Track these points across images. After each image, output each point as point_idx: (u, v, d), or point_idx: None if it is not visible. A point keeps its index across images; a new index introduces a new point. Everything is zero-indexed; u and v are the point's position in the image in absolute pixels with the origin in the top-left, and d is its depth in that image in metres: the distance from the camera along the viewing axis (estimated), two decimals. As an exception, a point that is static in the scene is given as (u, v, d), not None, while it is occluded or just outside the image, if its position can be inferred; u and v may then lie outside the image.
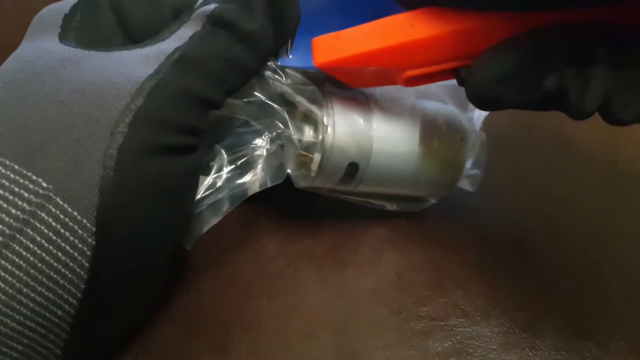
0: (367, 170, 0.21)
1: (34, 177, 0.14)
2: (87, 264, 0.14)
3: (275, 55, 0.20)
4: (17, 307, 0.14)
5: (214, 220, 0.20)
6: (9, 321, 0.14)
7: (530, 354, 0.19)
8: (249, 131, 0.21)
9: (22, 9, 0.44)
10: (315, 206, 0.25)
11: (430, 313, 0.21)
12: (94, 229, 0.14)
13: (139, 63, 0.16)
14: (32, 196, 0.14)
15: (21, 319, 0.14)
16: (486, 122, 0.26)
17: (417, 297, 0.21)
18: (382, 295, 0.21)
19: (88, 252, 0.14)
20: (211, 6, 0.18)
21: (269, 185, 0.21)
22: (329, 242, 0.24)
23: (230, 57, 0.17)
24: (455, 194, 0.25)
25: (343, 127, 0.21)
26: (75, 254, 0.14)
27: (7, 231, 0.13)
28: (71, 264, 0.14)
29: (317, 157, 0.21)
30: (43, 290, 0.14)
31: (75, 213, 0.14)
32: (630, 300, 0.21)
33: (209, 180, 0.20)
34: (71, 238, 0.14)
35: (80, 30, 0.18)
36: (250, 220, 0.24)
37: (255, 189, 0.21)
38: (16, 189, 0.14)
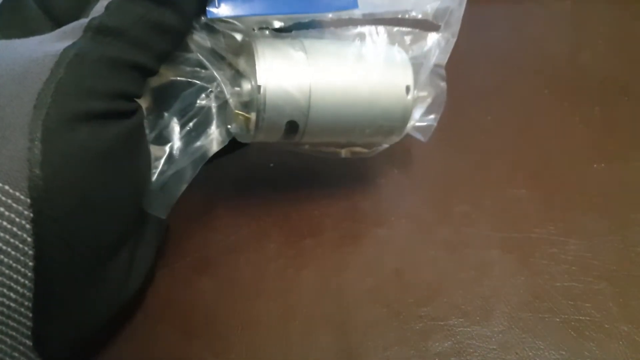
0: (308, 126, 0.21)
1: None
2: (29, 239, 0.14)
3: (204, 10, 0.19)
4: None
5: (181, 188, 0.20)
6: None
7: (530, 354, 0.19)
8: (194, 91, 0.20)
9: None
10: (315, 206, 0.25)
11: (430, 313, 0.21)
12: (28, 200, 0.14)
13: (58, 39, 0.17)
14: None
15: None
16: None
17: (417, 297, 0.21)
18: (382, 295, 0.21)
19: (27, 226, 0.14)
20: None
21: (227, 141, 0.21)
22: (329, 242, 0.24)
23: (152, 20, 0.17)
24: (451, 190, 0.25)
25: (277, 84, 0.20)
26: (15, 229, 0.14)
27: None
28: (12, 240, 0.14)
29: (252, 116, 0.20)
30: None
31: (7, 187, 0.14)
32: (631, 300, 0.21)
33: (166, 149, 0.20)
34: (7, 213, 0.14)
35: (7, 27, 0.19)
36: (250, 221, 0.24)
37: (214, 148, 0.21)
38: None
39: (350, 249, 0.23)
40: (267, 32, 0.21)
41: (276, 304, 0.21)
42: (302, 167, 0.27)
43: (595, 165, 0.26)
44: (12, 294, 0.14)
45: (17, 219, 0.14)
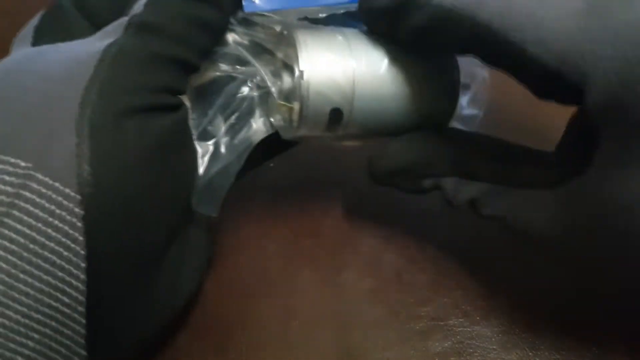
0: (352, 114, 0.20)
1: (12, 160, 0.14)
2: (81, 237, 0.14)
3: (241, 5, 0.20)
4: (18, 296, 0.13)
5: (228, 184, 0.19)
6: (11, 313, 0.13)
7: (530, 354, 0.19)
8: (234, 86, 0.20)
9: (22, 9, 0.44)
10: (315, 206, 0.25)
11: (430, 313, 0.21)
12: (78, 196, 0.14)
13: (100, 38, 0.17)
14: (13, 178, 0.14)
15: (25, 310, 0.13)
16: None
17: (417, 297, 0.21)
18: (382, 295, 0.21)
19: (79, 224, 0.14)
20: None
21: (272, 130, 0.20)
22: (329, 242, 0.24)
23: (191, 15, 0.17)
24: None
25: (320, 72, 0.19)
26: (66, 228, 0.14)
27: None
28: (64, 239, 0.14)
29: (296, 106, 0.20)
30: (41, 274, 0.14)
31: (57, 184, 0.14)
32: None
33: (210, 146, 0.20)
34: (58, 211, 0.14)
35: (51, 34, 0.19)
36: (250, 221, 0.24)
37: (258, 137, 0.20)
38: None
39: (350, 249, 0.23)
40: (305, 22, 0.21)
41: (276, 304, 0.21)
42: (302, 168, 0.27)
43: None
44: (65, 299, 0.14)
45: (69, 217, 0.14)
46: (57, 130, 0.14)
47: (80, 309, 0.14)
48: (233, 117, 0.20)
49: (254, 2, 0.20)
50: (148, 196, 0.16)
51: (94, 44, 0.16)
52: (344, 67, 0.19)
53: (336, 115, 0.20)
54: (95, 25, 0.19)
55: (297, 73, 0.19)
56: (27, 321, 0.13)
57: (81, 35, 0.18)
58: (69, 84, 0.15)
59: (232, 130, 0.20)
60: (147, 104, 0.16)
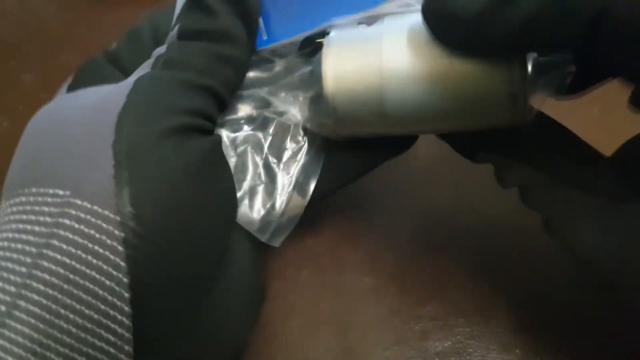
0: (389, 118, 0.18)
1: (51, 191, 0.14)
2: (123, 263, 0.13)
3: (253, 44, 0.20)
4: (59, 336, 0.12)
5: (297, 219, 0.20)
6: (53, 356, 0.12)
7: (531, 354, 0.19)
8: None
9: (23, 9, 0.44)
10: (314, 206, 0.25)
11: (430, 313, 0.21)
12: (118, 218, 0.13)
13: (132, 75, 0.17)
14: (52, 208, 0.13)
15: (67, 351, 0.12)
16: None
17: (417, 297, 0.21)
18: (382, 295, 0.21)
19: (120, 248, 0.13)
20: (176, 27, 0.18)
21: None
22: (329, 242, 0.24)
23: (212, 52, 0.17)
24: (452, 191, 0.25)
25: (347, 95, 0.18)
26: (107, 253, 0.13)
27: (34, 250, 0.13)
28: (105, 267, 0.13)
29: (330, 122, 0.18)
30: (83, 308, 0.12)
31: (96, 207, 0.13)
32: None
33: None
34: (97, 235, 0.13)
35: (86, 83, 0.19)
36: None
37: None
38: (37, 208, 0.14)
39: (350, 249, 0.23)
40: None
41: (276, 304, 0.21)
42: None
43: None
44: (110, 337, 0.13)
45: (109, 241, 0.13)
46: (93, 157, 0.14)
47: (127, 348, 0.13)
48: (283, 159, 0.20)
49: (263, 37, 0.20)
50: (190, 216, 0.15)
51: (127, 81, 0.17)
52: (374, 90, 0.17)
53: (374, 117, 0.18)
54: (127, 74, 0.20)
55: (327, 105, 0.18)
56: None
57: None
58: (103, 112, 0.15)
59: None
60: (184, 124, 0.15)
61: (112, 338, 0.13)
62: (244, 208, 0.19)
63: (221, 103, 0.18)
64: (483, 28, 0.14)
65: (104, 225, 0.13)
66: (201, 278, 0.15)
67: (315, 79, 0.19)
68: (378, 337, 0.20)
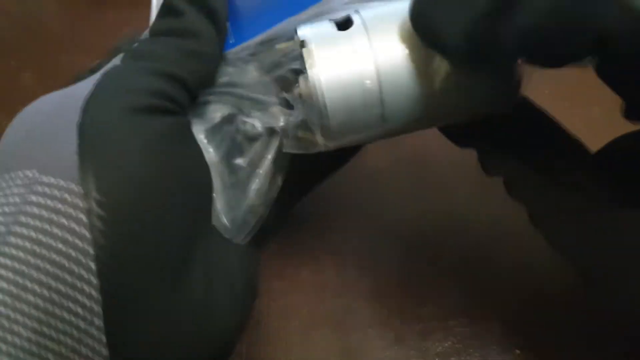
0: (387, 115, 0.17)
1: (20, 174, 0.14)
2: (88, 234, 0.13)
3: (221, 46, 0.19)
4: (27, 310, 0.12)
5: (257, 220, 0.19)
6: (21, 330, 0.12)
7: (531, 354, 0.19)
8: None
9: (23, 9, 0.44)
10: (315, 206, 0.25)
11: (430, 313, 0.21)
12: (81, 189, 0.13)
13: (103, 69, 0.17)
14: (20, 189, 0.14)
15: (36, 325, 0.12)
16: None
17: (417, 297, 0.21)
18: (382, 295, 0.21)
19: (84, 219, 0.13)
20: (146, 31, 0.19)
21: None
22: (329, 242, 0.24)
23: (178, 45, 0.18)
24: (452, 191, 0.25)
25: (342, 103, 0.16)
26: (72, 225, 0.13)
27: (3, 229, 0.13)
28: (71, 238, 0.13)
29: (318, 137, 0.18)
30: (50, 281, 0.13)
31: (60, 181, 0.14)
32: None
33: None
34: (62, 208, 0.13)
35: None
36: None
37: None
38: (8, 191, 0.14)
39: (350, 248, 0.23)
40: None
41: (276, 304, 0.21)
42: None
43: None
44: (79, 309, 0.13)
45: (73, 212, 0.13)
46: (59, 136, 0.15)
47: (98, 321, 0.13)
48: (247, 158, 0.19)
49: (231, 41, 0.20)
50: (152, 189, 0.15)
51: (97, 73, 0.17)
52: (364, 70, 0.16)
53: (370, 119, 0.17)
54: None
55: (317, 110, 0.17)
56: (39, 339, 0.12)
57: None
58: (72, 97, 0.16)
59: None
60: (147, 104, 0.16)
61: (81, 311, 0.13)
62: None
63: (189, 92, 0.18)
64: (468, 55, 0.14)
65: (68, 197, 0.13)
66: (172, 255, 0.15)
67: (304, 90, 0.17)
68: (378, 337, 0.20)
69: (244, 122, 0.20)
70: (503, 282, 0.22)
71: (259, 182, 0.19)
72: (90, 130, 0.14)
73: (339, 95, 0.16)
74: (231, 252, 0.19)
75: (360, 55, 0.16)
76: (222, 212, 0.19)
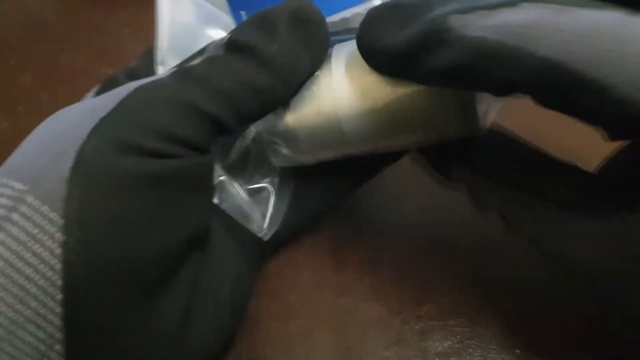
0: (348, 136, 0.18)
1: (12, 183, 0.14)
2: (58, 265, 0.13)
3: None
4: None
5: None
6: None
7: (531, 353, 0.19)
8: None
9: (23, 9, 0.44)
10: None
11: (430, 313, 0.21)
12: (62, 221, 0.13)
13: (145, 79, 0.16)
14: (6, 201, 0.14)
15: None
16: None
17: (417, 297, 0.21)
18: (382, 295, 0.21)
19: (58, 250, 0.13)
20: (230, 34, 0.17)
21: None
22: (329, 242, 0.24)
23: (245, 77, 0.16)
24: (452, 191, 0.25)
25: (307, 127, 0.18)
26: (45, 254, 0.13)
27: None
28: (41, 266, 0.13)
29: (284, 150, 0.19)
30: (15, 303, 0.13)
31: (46, 207, 0.13)
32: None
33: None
34: (40, 235, 0.13)
35: None
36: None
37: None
38: None
39: (350, 249, 0.23)
40: None
41: (276, 304, 0.21)
42: (302, 167, 0.27)
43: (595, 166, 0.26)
44: (40, 333, 0.13)
45: (48, 242, 0.13)
46: (60, 155, 0.14)
47: (58, 347, 0.13)
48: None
49: None
50: (136, 233, 0.14)
51: (130, 84, 0.16)
52: (326, 104, 0.18)
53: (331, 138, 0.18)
54: None
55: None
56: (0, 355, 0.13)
57: None
58: (90, 114, 0.15)
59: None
60: (151, 148, 0.15)
61: (42, 335, 0.13)
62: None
63: (223, 131, 0.16)
64: (408, 66, 0.15)
65: (48, 226, 0.13)
66: (145, 293, 0.15)
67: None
68: (378, 337, 0.20)
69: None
70: (503, 282, 0.22)
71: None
72: (86, 162, 0.14)
73: (305, 121, 0.18)
74: (226, 276, 0.19)
75: (322, 84, 0.18)
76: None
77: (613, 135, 0.14)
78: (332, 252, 0.23)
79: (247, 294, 0.20)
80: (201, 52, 0.18)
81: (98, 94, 0.19)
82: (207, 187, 0.17)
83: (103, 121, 0.14)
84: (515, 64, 0.13)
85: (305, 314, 0.21)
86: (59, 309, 0.13)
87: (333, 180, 0.22)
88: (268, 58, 0.16)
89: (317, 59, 0.18)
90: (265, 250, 0.22)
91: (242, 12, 0.21)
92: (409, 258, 0.23)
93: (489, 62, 0.13)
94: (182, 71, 0.16)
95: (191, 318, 0.17)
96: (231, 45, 0.16)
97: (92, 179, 0.14)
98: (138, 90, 0.15)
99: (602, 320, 0.20)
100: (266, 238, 0.21)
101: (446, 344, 0.20)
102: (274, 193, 0.21)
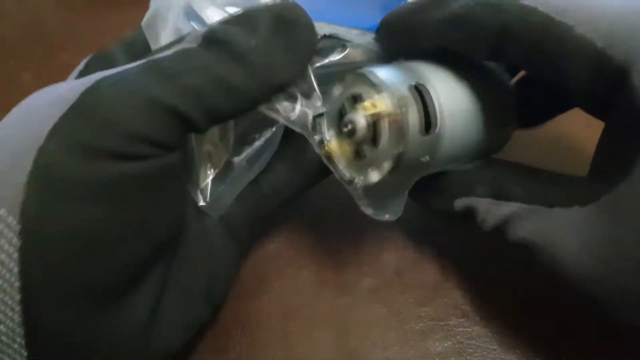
0: (441, 151, 0.18)
1: None
2: (15, 269, 0.13)
3: (290, 84, 0.17)
4: None
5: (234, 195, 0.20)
6: None
7: (531, 353, 0.19)
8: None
9: (23, 9, 0.44)
10: (315, 206, 0.25)
11: (430, 313, 0.21)
12: (19, 226, 0.13)
13: (112, 70, 0.16)
14: None
15: None
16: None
17: (417, 297, 0.21)
18: (382, 295, 0.21)
19: (15, 254, 0.13)
20: (209, 27, 0.16)
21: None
22: (329, 242, 0.24)
23: (218, 73, 0.15)
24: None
25: (453, 132, 0.18)
26: (3, 257, 0.13)
27: None
28: (0, 268, 0.13)
29: (386, 164, 0.17)
30: None
31: (3, 210, 0.13)
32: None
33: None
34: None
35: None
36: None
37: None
38: None
39: (350, 249, 0.23)
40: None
41: (276, 304, 0.21)
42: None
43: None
44: (1, 327, 0.13)
45: (7, 246, 0.13)
46: (20, 157, 0.14)
47: (19, 340, 0.14)
48: (257, 143, 0.20)
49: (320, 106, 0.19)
50: (97, 237, 0.14)
51: (96, 74, 0.15)
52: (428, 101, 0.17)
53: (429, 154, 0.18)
54: None
55: (385, 119, 0.17)
56: None
57: None
58: (52, 109, 0.14)
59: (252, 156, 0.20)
60: (118, 151, 0.14)
61: (3, 329, 0.13)
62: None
63: (191, 129, 0.16)
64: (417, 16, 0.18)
65: (5, 230, 0.13)
66: (105, 296, 0.15)
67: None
68: (378, 337, 0.20)
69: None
70: (503, 282, 0.22)
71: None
72: (43, 167, 0.14)
73: (453, 124, 0.18)
74: (199, 267, 0.18)
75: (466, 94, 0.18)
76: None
77: (574, 96, 0.17)
78: (332, 252, 0.23)
79: (226, 281, 0.20)
80: (178, 41, 0.17)
81: (89, 63, 0.19)
82: (176, 187, 0.17)
83: (62, 120, 0.14)
84: (497, 16, 0.16)
85: (305, 314, 0.21)
86: (17, 307, 0.13)
87: (295, 169, 0.21)
88: (243, 54, 0.15)
89: (298, 62, 0.17)
90: (240, 235, 0.21)
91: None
92: (409, 258, 0.23)
93: (475, 15, 0.16)
94: (150, 63, 0.15)
95: (159, 315, 0.16)
96: (207, 37, 0.16)
97: (48, 186, 0.13)
98: (99, 82, 0.14)
99: (602, 320, 0.20)
100: (210, 212, 0.19)
101: (446, 344, 0.20)
102: (233, 170, 0.20)
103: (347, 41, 0.19)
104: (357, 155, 0.18)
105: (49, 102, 0.15)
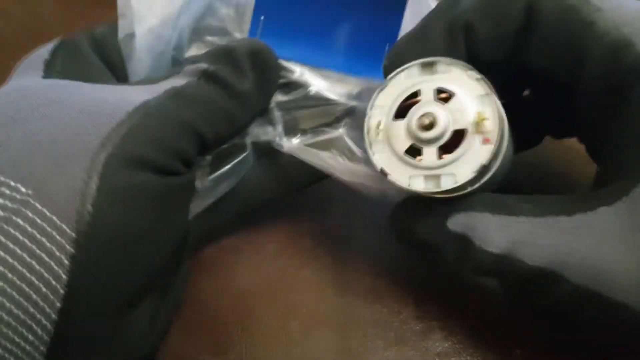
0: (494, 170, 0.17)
1: (12, 183, 0.14)
2: (64, 276, 0.13)
3: (261, 113, 0.21)
4: None
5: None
6: None
7: (531, 354, 0.19)
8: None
9: (23, 9, 0.44)
10: (315, 206, 0.25)
11: (430, 313, 0.21)
12: (73, 234, 0.13)
13: (137, 91, 0.17)
14: (7, 202, 0.13)
15: None
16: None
17: (417, 297, 0.21)
18: (382, 295, 0.21)
19: (66, 262, 0.13)
20: (204, 64, 0.19)
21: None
22: (329, 242, 0.24)
23: (222, 106, 0.18)
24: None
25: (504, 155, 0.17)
26: (52, 264, 0.13)
27: None
28: (46, 275, 0.13)
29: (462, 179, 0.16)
30: (12, 306, 0.13)
31: (55, 218, 0.13)
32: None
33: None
34: (48, 245, 0.13)
35: (66, 71, 0.19)
36: (250, 221, 0.24)
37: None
38: None
39: (350, 249, 0.23)
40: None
41: (276, 304, 0.21)
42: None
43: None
44: (30, 336, 0.13)
45: (57, 253, 0.13)
46: (68, 163, 0.14)
47: (42, 348, 0.14)
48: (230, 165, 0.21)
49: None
50: (138, 246, 0.15)
51: (132, 95, 0.17)
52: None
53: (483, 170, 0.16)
54: (112, 69, 0.21)
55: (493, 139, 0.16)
56: None
57: (98, 78, 0.19)
58: (96, 120, 0.15)
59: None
60: (162, 163, 0.16)
61: (31, 338, 0.13)
62: None
63: (204, 151, 0.18)
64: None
65: (58, 237, 0.13)
66: (129, 300, 0.16)
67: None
68: (378, 337, 0.20)
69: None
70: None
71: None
72: (101, 171, 0.14)
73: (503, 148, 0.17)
74: (175, 283, 0.19)
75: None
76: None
77: None
78: (332, 252, 0.23)
79: (183, 287, 0.21)
80: (177, 71, 0.19)
81: (55, 55, 0.19)
82: (189, 200, 0.19)
83: (114, 133, 0.15)
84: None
85: (305, 314, 0.21)
86: (54, 316, 0.13)
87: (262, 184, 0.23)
88: (239, 93, 0.19)
89: (269, 97, 0.21)
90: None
91: (262, 17, 0.23)
92: (409, 258, 0.23)
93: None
94: (175, 91, 0.17)
95: (156, 324, 0.18)
96: (208, 75, 0.18)
97: (107, 194, 0.14)
98: (145, 105, 0.16)
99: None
100: None
101: (446, 344, 0.20)
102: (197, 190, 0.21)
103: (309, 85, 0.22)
104: (409, 152, 0.17)
105: (85, 108, 0.15)
